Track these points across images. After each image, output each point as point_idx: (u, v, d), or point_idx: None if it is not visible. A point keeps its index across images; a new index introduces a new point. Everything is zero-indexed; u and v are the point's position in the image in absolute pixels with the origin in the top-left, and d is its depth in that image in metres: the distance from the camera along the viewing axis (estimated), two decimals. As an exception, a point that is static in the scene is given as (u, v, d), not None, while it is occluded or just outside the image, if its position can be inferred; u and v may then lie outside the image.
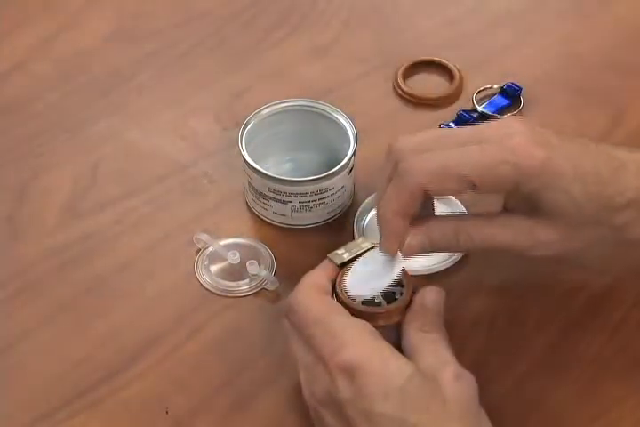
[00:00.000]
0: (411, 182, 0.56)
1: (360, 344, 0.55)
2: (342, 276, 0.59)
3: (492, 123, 0.59)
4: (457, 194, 0.64)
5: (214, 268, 0.69)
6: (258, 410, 0.63)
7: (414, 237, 0.59)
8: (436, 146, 0.57)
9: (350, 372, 0.54)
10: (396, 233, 0.58)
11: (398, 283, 0.59)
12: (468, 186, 0.56)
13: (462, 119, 0.77)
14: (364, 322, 0.57)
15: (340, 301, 0.59)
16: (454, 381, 0.54)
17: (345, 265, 0.60)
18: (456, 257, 0.69)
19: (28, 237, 0.72)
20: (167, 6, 0.87)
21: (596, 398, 0.63)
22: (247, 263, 0.68)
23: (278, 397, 0.63)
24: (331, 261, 0.60)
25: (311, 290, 0.58)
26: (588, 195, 0.57)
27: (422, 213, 0.59)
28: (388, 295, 0.59)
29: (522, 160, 0.55)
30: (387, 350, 0.55)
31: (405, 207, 0.57)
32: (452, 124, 0.77)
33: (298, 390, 0.60)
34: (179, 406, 0.63)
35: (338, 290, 0.59)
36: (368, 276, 0.59)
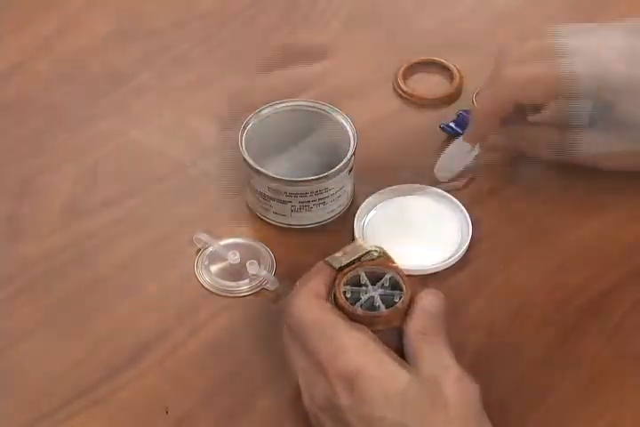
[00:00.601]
0: (503, 91, 0.66)
1: (358, 350, 0.55)
2: (342, 278, 0.59)
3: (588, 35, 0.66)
4: (547, 102, 0.68)
5: (214, 268, 0.69)
6: (258, 410, 0.63)
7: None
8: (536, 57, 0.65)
9: (349, 378, 0.53)
10: (482, 129, 0.69)
11: (397, 287, 0.59)
12: (553, 96, 0.65)
13: (462, 119, 0.77)
14: (363, 327, 0.56)
15: (338, 305, 0.59)
16: (455, 384, 0.54)
17: (343, 269, 0.60)
18: (456, 257, 0.69)
19: (28, 237, 0.72)
20: (167, 6, 0.87)
21: (596, 398, 0.63)
22: (247, 263, 0.68)
23: (278, 397, 0.63)
24: (329, 265, 0.60)
25: (309, 295, 0.58)
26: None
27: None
28: (387, 300, 0.59)
29: (606, 74, 0.63)
30: (386, 355, 0.55)
31: (496, 110, 0.67)
32: (452, 125, 0.77)
33: (297, 390, 0.60)
34: (179, 406, 0.63)
35: (337, 294, 0.59)
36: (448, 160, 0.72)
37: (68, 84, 0.81)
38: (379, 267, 0.60)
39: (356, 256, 0.60)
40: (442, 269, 0.69)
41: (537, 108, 0.68)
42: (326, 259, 0.60)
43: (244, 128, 0.69)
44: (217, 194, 0.74)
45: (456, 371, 0.55)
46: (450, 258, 0.69)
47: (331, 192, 0.69)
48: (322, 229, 0.71)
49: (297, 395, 0.62)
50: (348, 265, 0.60)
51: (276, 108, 0.70)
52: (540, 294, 0.68)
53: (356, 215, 0.71)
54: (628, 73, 0.63)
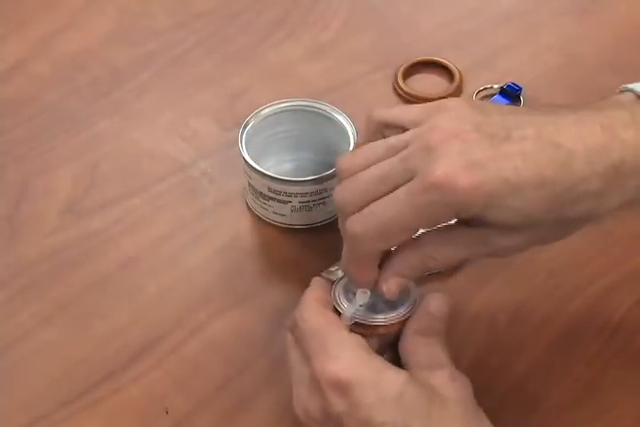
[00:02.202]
0: (361, 250, 0.55)
1: (351, 358, 0.54)
2: (335, 288, 0.59)
3: (415, 131, 0.54)
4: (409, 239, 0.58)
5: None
6: (258, 410, 0.63)
7: (389, 283, 0.57)
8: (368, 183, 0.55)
9: (341, 386, 0.53)
10: (365, 282, 0.57)
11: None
12: (413, 231, 0.55)
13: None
14: (358, 337, 0.56)
15: (338, 312, 0.58)
16: (450, 382, 0.54)
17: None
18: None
19: (28, 237, 0.72)
20: (167, 6, 0.87)
21: (595, 399, 0.63)
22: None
23: (278, 397, 0.63)
24: (326, 279, 0.60)
25: (314, 303, 0.58)
26: (532, 202, 0.52)
27: None
28: (390, 302, 0.59)
29: (448, 196, 0.51)
30: (379, 361, 0.55)
31: (364, 265, 0.56)
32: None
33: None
34: (179, 406, 0.63)
35: (334, 302, 0.58)
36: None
37: (68, 84, 0.81)
38: None
39: None
40: (442, 269, 0.69)
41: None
42: (322, 274, 0.60)
43: (244, 128, 0.69)
44: (217, 194, 0.74)
45: (449, 370, 0.54)
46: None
47: (331, 192, 0.69)
48: (322, 229, 0.71)
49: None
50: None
51: (276, 108, 0.70)
52: (539, 294, 0.68)
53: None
54: (472, 184, 0.52)
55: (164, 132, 0.78)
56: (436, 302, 0.58)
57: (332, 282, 0.59)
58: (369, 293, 0.57)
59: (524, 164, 0.51)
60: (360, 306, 0.57)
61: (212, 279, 0.69)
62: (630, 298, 0.68)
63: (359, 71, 0.82)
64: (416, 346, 0.56)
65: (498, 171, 0.51)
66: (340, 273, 0.60)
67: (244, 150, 0.68)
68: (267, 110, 0.70)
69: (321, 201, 0.69)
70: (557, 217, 0.53)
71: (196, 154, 0.76)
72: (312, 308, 0.58)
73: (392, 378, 0.54)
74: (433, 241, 0.56)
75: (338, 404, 0.53)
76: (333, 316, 0.57)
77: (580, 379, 0.64)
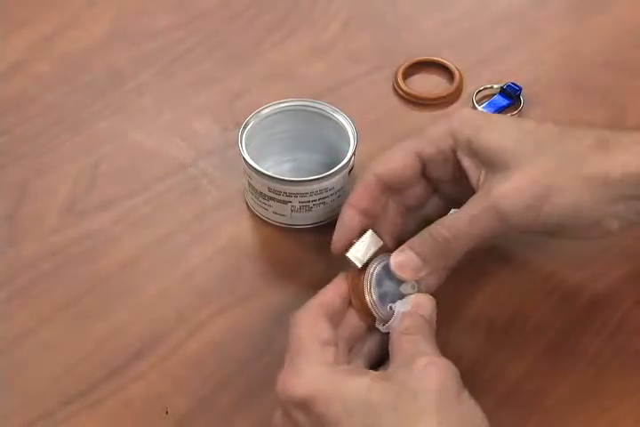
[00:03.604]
0: (367, 177, 0.61)
1: (312, 373, 0.54)
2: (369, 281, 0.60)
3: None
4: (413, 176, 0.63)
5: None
6: (258, 410, 0.63)
7: (399, 256, 0.59)
8: None
9: (304, 405, 0.53)
10: (346, 225, 0.61)
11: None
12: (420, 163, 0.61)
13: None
14: (330, 350, 0.56)
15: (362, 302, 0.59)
16: (422, 372, 0.53)
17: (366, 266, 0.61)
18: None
19: (28, 237, 0.72)
20: (167, 6, 0.87)
21: (595, 398, 0.63)
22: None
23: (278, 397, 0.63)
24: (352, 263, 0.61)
25: (310, 309, 0.58)
26: (525, 128, 0.59)
27: None
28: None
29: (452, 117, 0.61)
30: (342, 372, 0.55)
31: (360, 200, 0.61)
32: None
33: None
34: (179, 406, 0.63)
35: (366, 300, 0.59)
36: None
37: (68, 84, 0.81)
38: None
39: (375, 249, 0.61)
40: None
41: None
42: (348, 255, 0.61)
43: (244, 128, 0.69)
44: (217, 194, 0.74)
45: (426, 359, 0.54)
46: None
47: (331, 192, 0.69)
48: (322, 229, 0.71)
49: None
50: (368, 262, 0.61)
51: (276, 108, 0.70)
52: (539, 294, 0.68)
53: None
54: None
55: (164, 132, 0.78)
56: (419, 300, 0.59)
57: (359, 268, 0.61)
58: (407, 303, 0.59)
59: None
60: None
61: (212, 279, 0.69)
62: (630, 298, 0.68)
63: (359, 71, 0.82)
64: (400, 344, 0.56)
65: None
66: (365, 258, 0.61)
67: (244, 150, 0.68)
68: (267, 110, 0.70)
69: (321, 201, 0.69)
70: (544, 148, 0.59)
71: (196, 154, 0.76)
72: (307, 313, 0.58)
73: (353, 386, 0.53)
74: (441, 219, 0.60)
75: (304, 422, 0.53)
76: (320, 327, 0.57)
77: (580, 379, 0.64)
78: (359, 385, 0.53)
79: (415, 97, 0.80)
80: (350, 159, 0.68)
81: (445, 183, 0.64)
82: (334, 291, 0.60)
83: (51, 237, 0.71)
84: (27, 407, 0.63)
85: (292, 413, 0.54)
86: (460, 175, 0.62)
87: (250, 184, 0.70)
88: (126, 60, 0.83)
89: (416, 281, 0.60)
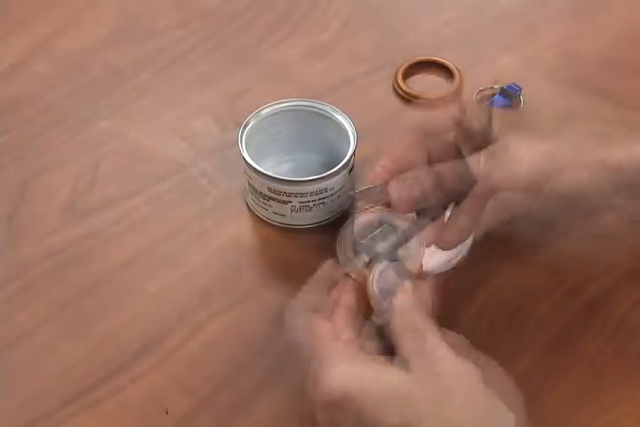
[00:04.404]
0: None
1: (343, 371, 0.54)
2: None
3: None
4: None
5: None
6: (258, 410, 0.63)
7: (401, 182, 0.60)
8: None
9: (339, 405, 0.53)
10: (376, 170, 0.61)
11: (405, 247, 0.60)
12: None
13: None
14: (347, 343, 0.56)
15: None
16: (452, 372, 0.53)
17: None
18: (458, 257, 0.69)
19: (28, 237, 0.72)
20: (167, 6, 0.87)
21: (595, 398, 0.63)
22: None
23: (278, 397, 0.63)
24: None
25: (302, 308, 0.58)
26: (560, 95, 0.60)
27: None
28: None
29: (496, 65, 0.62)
30: (372, 366, 0.54)
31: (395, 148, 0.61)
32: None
33: (298, 390, 0.60)
34: (179, 406, 0.63)
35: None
36: None
37: (68, 84, 0.81)
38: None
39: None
40: (443, 270, 0.69)
41: None
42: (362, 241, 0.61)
43: (244, 128, 0.69)
44: (217, 194, 0.74)
45: (450, 361, 0.54)
46: (452, 259, 0.69)
47: (331, 192, 0.69)
48: (322, 229, 0.71)
49: (297, 395, 0.62)
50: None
51: (276, 108, 0.70)
52: (540, 294, 0.68)
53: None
54: None
55: (163, 132, 0.78)
56: (404, 296, 0.59)
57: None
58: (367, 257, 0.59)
59: None
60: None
61: (212, 279, 0.69)
62: (630, 298, 0.68)
63: (359, 71, 0.82)
64: (403, 340, 0.56)
65: None
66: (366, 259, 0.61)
67: (244, 150, 0.68)
68: (267, 110, 0.70)
69: (321, 201, 0.69)
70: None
71: (196, 154, 0.76)
72: (300, 316, 0.57)
73: (386, 380, 0.53)
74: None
75: (345, 421, 0.53)
76: (321, 323, 0.57)
77: (580, 379, 0.64)
78: (393, 382, 0.53)
79: (415, 97, 0.80)
80: (350, 159, 0.68)
81: (471, 137, 0.63)
82: (318, 284, 0.60)
83: (51, 237, 0.71)
84: (27, 407, 0.63)
85: (331, 413, 0.54)
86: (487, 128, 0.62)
87: (250, 184, 0.70)
88: (126, 60, 0.83)
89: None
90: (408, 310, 0.57)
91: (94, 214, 0.73)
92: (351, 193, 0.61)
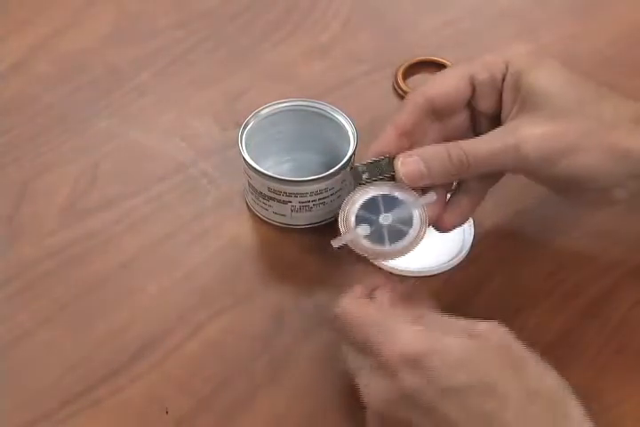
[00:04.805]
0: (416, 98, 0.61)
1: (408, 333, 0.54)
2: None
3: None
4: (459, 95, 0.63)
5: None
6: (258, 410, 0.63)
7: (408, 157, 0.60)
8: None
9: (411, 361, 0.53)
10: (382, 142, 0.61)
11: (407, 222, 0.60)
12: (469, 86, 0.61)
13: None
14: (398, 310, 0.57)
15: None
16: (495, 336, 0.54)
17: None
18: (459, 257, 0.69)
19: (28, 237, 0.72)
20: (167, 6, 0.87)
21: (596, 398, 0.63)
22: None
23: (278, 397, 0.63)
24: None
25: (351, 297, 0.59)
26: (573, 80, 0.60)
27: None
28: (394, 231, 0.59)
29: (509, 49, 0.61)
30: (433, 330, 0.55)
31: (405, 120, 0.61)
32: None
33: (298, 390, 0.60)
34: (179, 406, 0.63)
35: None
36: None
37: (68, 84, 0.81)
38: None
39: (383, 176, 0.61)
40: (443, 270, 0.69)
41: None
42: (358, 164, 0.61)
43: (244, 128, 0.69)
44: (217, 194, 0.74)
45: (482, 326, 0.55)
46: (452, 259, 0.69)
47: (330, 192, 0.69)
48: (322, 229, 0.71)
49: (297, 394, 0.62)
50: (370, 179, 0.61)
51: (276, 108, 0.70)
52: (540, 294, 0.68)
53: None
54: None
55: (163, 132, 0.78)
56: (397, 286, 0.60)
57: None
58: (369, 228, 0.59)
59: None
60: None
61: (212, 279, 0.69)
62: (630, 298, 0.68)
63: (359, 71, 0.82)
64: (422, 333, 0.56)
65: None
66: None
67: (244, 150, 0.68)
68: (267, 110, 0.70)
69: (321, 201, 0.69)
70: (586, 110, 0.60)
71: (196, 154, 0.76)
72: (349, 301, 0.58)
73: (452, 343, 0.53)
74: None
75: (414, 380, 0.53)
76: (370, 304, 0.58)
77: (581, 378, 0.64)
78: (457, 344, 0.53)
79: (415, 97, 0.80)
80: (350, 159, 0.68)
81: (482, 121, 0.64)
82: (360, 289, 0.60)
83: (51, 237, 0.71)
84: (27, 407, 0.63)
85: (401, 375, 0.53)
86: (497, 113, 0.62)
87: (250, 184, 0.70)
88: (126, 60, 0.83)
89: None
90: None
91: (94, 214, 0.73)
92: (356, 164, 0.60)
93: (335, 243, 0.59)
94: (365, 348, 0.55)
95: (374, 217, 0.60)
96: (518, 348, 0.54)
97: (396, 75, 0.81)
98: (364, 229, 0.59)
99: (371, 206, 0.60)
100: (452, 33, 0.85)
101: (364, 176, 0.60)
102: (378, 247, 0.59)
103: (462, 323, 0.56)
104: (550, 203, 0.73)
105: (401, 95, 0.80)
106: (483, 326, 0.55)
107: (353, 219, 0.60)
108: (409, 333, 0.54)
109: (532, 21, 0.86)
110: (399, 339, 0.54)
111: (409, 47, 0.84)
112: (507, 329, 0.55)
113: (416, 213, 0.59)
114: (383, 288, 0.60)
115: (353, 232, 0.59)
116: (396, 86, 0.81)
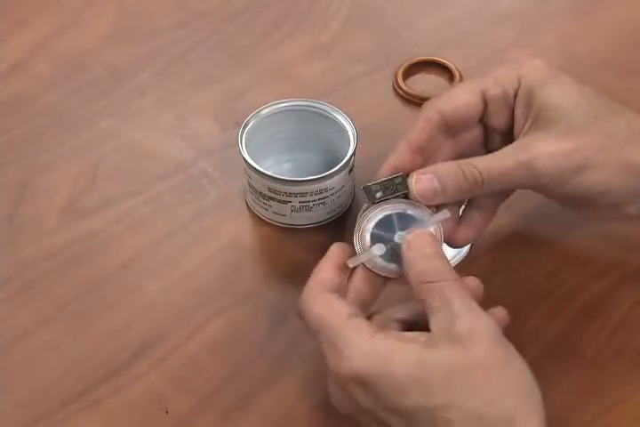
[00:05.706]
0: (429, 114, 0.61)
1: (357, 348, 0.53)
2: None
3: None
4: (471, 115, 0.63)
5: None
6: (258, 410, 0.63)
7: (422, 175, 0.59)
8: None
9: (359, 380, 0.53)
10: (396, 158, 0.61)
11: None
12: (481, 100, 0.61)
13: None
14: (360, 321, 0.55)
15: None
16: (467, 340, 0.52)
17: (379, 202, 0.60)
18: (458, 257, 0.69)
19: (28, 237, 0.72)
20: (167, 6, 0.87)
21: (595, 398, 0.63)
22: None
23: (278, 397, 0.63)
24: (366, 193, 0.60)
25: (316, 289, 0.57)
26: (586, 95, 0.60)
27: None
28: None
29: (522, 64, 0.61)
30: (386, 344, 0.54)
31: (418, 136, 0.61)
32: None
33: (298, 390, 0.60)
34: (179, 406, 0.63)
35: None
36: None
37: (68, 84, 0.81)
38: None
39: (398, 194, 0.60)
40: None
41: None
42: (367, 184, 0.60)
43: (244, 128, 0.69)
44: (217, 194, 0.74)
45: (462, 324, 0.53)
46: (452, 259, 0.69)
47: (331, 192, 0.69)
48: (322, 229, 0.71)
49: (297, 394, 0.62)
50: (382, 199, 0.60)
51: (276, 108, 0.70)
52: (540, 294, 0.68)
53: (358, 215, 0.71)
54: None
55: (163, 132, 0.78)
56: (421, 240, 0.58)
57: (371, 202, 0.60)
58: (384, 247, 0.58)
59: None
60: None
61: (212, 279, 0.69)
62: (630, 298, 0.68)
63: (359, 71, 0.82)
64: (425, 299, 0.55)
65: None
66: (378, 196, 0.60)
67: (244, 150, 0.68)
68: (267, 110, 0.70)
69: (321, 201, 0.69)
70: (600, 125, 0.60)
71: (196, 154, 0.76)
72: (313, 295, 0.57)
73: (401, 363, 0.52)
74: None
75: (363, 399, 0.53)
76: (331, 300, 0.56)
77: (580, 379, 0.64)
78: (407, 361, 0.52)
79: (415, 97, 0.80)
80: (350, 159, 0.68)
81: (495, 138, 0.63)
82: (330, 265, 0.59)
83: (50, 237, 0.71)
84: (27, 407, 0.63)
85: (352, 391, 0.53)
86: (510, 129, 0.62)
87: (250, 184, 0.70)
88: (126, 60, 0.83)
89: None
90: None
91: (94, 214, 0.73)
92: (369, 184, 0.60)
93: (351, 263, 0.59)
94: (324, 350, 0.55)
95: (389, 235, 0.59)
96: (493, 356, 0.53)
97: (396, 75, 0.81)
98: (379, 249, 0.59)
99: (385, 225, 0.60)
100: (452, 33, 0.85)
101: (378, 195, 0.60)
102: (393, 266, 0.59)
103: (442, 322, 0.54)
104: (550, 203, 0.72)
105: (401, 95, 0.80)
106: (464, 325, 0.53)
107: (368, 238, 0.59)
108: (360, 347, 0.53)
109: (532, 21, 0.86)
110: (350, 355, 0.53)
111: (409, 47, 0.84)
112: (493, 323, 0.54)
113: (431, 231, 0.59)
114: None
115: (369, 252, 0.59)
116: (396, 86, 0.81)
